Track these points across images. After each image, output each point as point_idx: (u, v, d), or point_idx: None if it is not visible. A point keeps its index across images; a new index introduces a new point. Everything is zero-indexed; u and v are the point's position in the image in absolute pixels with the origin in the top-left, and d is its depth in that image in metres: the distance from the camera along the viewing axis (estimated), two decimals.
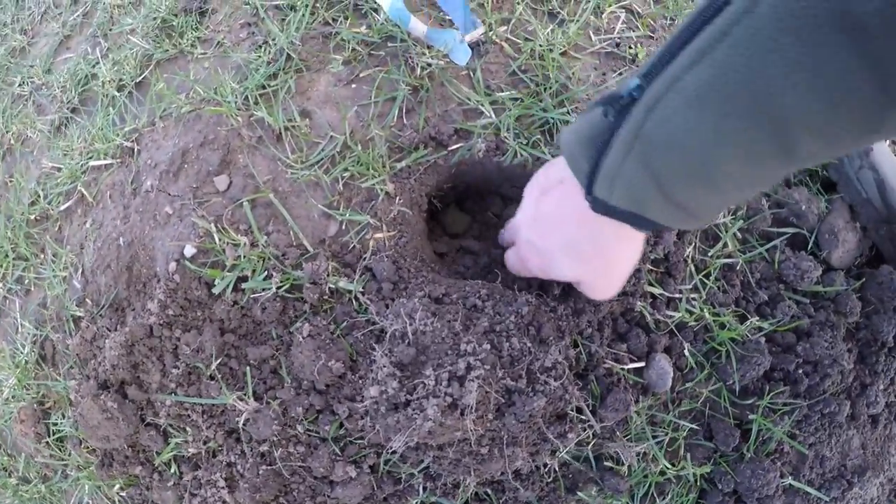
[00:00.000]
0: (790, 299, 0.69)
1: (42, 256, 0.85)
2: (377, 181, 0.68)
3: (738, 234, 0.71)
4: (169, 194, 0.73)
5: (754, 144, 0.32)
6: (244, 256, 0.66)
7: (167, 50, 0.86)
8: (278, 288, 0.64)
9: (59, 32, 1.02)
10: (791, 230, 0.71)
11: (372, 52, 0.77)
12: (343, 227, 0.68)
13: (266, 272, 0.65)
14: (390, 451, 0.56)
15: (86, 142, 0.84)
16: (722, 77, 0.31)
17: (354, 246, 0.67)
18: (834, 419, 0.69)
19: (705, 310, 0.66)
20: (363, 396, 0.59)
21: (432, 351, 0.55)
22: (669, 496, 0.65)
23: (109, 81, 0.87)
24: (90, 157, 0.83)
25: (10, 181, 0.93)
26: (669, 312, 0.66)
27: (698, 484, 0.67)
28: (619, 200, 0.40)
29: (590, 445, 0.63)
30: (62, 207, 0.83)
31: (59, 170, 0.86)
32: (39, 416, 0.80)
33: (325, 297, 0.65)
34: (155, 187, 0.74)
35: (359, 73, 0.75)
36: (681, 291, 0.67)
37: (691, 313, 0.66)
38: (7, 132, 0.98)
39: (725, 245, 0.69)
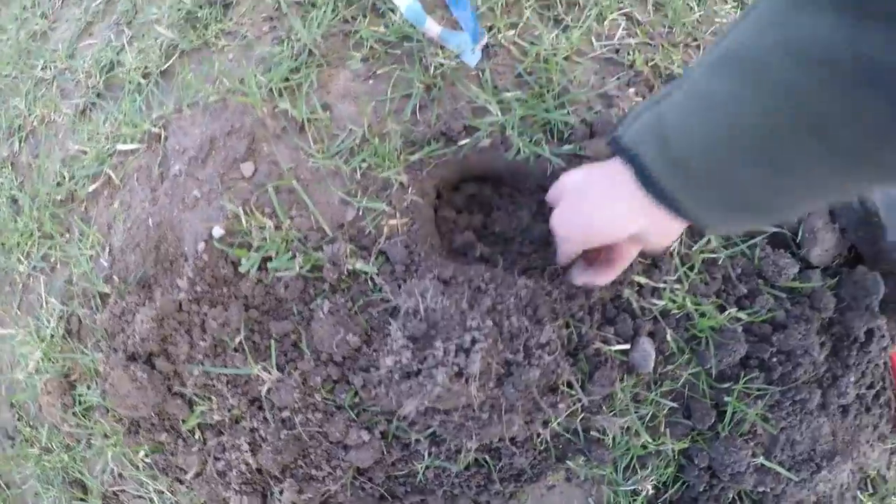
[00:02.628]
0: (768, 293, 0.81)
1: (68, 235, 0.96)
2: (392, 172, 0.79)
3: None
4: (197, 179, 0.84)
5: (740, 105, 0.40)
6: (269, 238, 0.77)
7: (192, 41, 0.97)
8: (300, 268, 0.76)
9: (80, 18, 1.13)
10: (771, 229, 0.82)
11: (389, 50, 0.88)
12: (360, 213, 0.79)
13: (290, 253, 0.77)
14: (402, 416, 0.68)
15: (113, 126, 0.95)
16: (735, 46, 0.41)
17: (370, 231, 0.78)
18: (805, 406, 0.81)
19: (688, 299, 0.78)
20: (378, 367, 0.70)
21: (441, 326, 0.66)
22: (650, 468, 0.77)
23: (135, 69, 0.98)
24: (117, 142, 0.94)
25: (35, 162, 1.04)
26: (654, 300, 0.77)
27: (677, 459, 0.79)
28: (629, 137, 0.48)
29: (578, 419, 0.75)
30: (90, 189, 0.94)
31: (84, 153, 0.97)
32: (65, 387, 0.91)
33: (343, 277, 0.76)
34: (183, 172, 0.85)
35: (376, 70, 0.87)
36: (665, 282, 0.78)
37: (674, 302, 0.78)
38: (30, 115, 1.08)
39: (709, 241, 0.81)
